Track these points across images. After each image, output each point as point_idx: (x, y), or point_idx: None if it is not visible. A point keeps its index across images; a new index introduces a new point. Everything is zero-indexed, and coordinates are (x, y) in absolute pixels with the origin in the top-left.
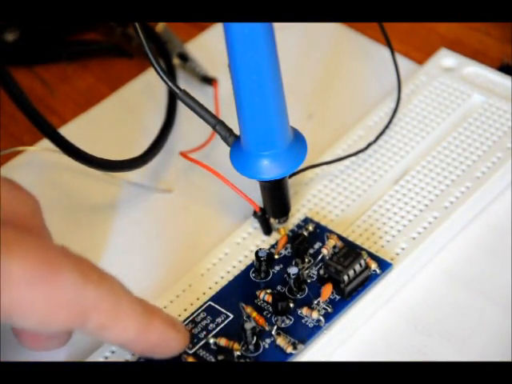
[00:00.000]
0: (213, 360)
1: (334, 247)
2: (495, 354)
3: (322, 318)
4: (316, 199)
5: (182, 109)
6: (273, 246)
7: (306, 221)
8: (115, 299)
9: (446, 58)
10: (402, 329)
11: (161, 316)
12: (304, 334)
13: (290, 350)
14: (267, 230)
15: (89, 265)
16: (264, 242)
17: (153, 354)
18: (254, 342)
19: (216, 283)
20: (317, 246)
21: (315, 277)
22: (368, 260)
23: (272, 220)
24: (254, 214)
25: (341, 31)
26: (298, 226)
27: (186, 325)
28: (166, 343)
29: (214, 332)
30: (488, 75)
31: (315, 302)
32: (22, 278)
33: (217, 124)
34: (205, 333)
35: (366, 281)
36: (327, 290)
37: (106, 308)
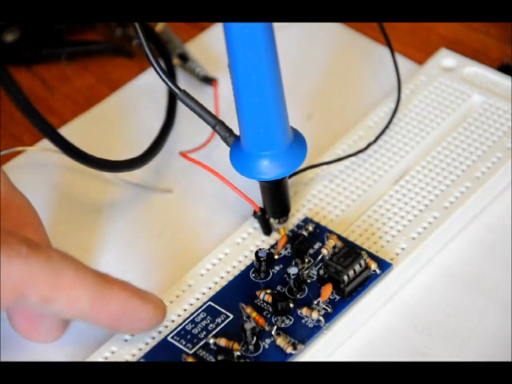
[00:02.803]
0: (213, 360)
1: (334, 247)
2: (495, 354)
3: (321, 318)
4: (316, 199)
5: (181, 109)
6: (273, 246)
7: (306, 221)
8: (54, 269)
9: (446, 58)
10: (402, 329)
11: (121, 285)
12: (304, 334)
13: (290, 350)
14: (267, 230)
15: (17, 240)
16: (264, 242)
17: (124, 327)
18: (253, 342)
19: (216, 283)
20: (317, 246)
21: (315, 277)
22: (368, 260)
23: (272, 220)
24: (254, 214)
25: (341, 31)
26: (298, 226)
27: (186, 325)
28: (133, 314)
29: (214, 332)
30: (488, 75)
31: (315, 302)
32: None
33: (217, 124)
34: (205, 333)
35: (366, 281)
36: (327, 290)
37: (44, 279)
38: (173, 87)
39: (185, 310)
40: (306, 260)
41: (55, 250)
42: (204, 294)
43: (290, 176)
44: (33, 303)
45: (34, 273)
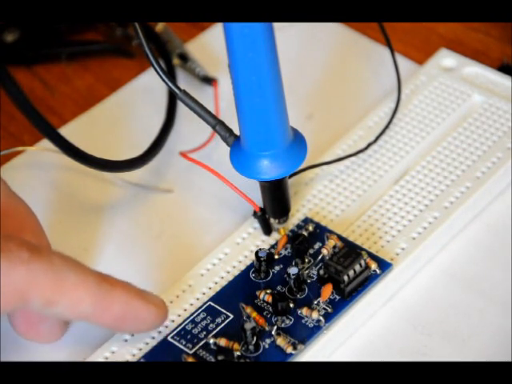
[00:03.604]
0: (213, 360)
1: (334, 247)
2: (495, 354)
3: (321, 318)
4: (316, 199)
5: (182, 109)
6: (273, 246)
7: (306, 221)
8: (56, 273)
9: (446, 58)
10: (402, 329)
11: (123, 286)
12: (304, 334)
13: (290, 350)
14: (267, 230)
15: (17, 244)
16: (264, 242)
17: (126, 328)
18: (254, 342)
19: (216, 283)
20: (317, 246)
21: (315, 277)
22: (368, 260)
23: (272, 220)
24: (254, 214)
25: (341, 31)
26: (298, 226)
27: (186, 325)
28: (136, 315)
29: (214, 332)
30: (488, 75)
31: (315, 302)
32: None
33: (217, 124)
34: (205, 333)
35: (366, 281)
36: (327, 290)
37: (46, 283)
38: (173, 87)
39: (185, 310)
40: (306, 260)
41: (56, 253)
42: (204, 293)
43: (290, 176)
44: (35, 306)
45: (36, 277)
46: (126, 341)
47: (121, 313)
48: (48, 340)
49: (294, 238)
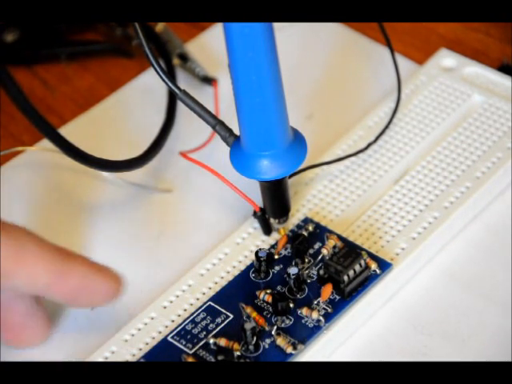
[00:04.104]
0: (213, 360)
1: (334, 247)
2: (495, 354)
3: (321, 318)
4: (316, 199)
5: (181, 109)
6: (273, 246)
7: (306, 221)
8: (16, 244)
9: (446, 58)
10: (402, 329)
11: (81, 259)
12: (304, 334)
13: (290, 350)
14: (267, 230)
15: None
16: (264, 242)
17: (82, 300)
18: (254, 342)
19: (216, 283)
20: (317, 246)
21: (315, 277)
22: (368, 260)
23: (272, 220)
24: (254, 214)
25: (341, 31)
26: (298, 226)
27: (186, 325)
28: (92, 288)
29: (214, 332)
30: (488, 75)
31: (315, 302)
32: None
33: (217, 124)
34: (205, 333)
35: (366, 281)
36: (327, 290)
37: (5, 254)
38: (173, 87)
39: (185, 309)
40: (306, 260)
41: (16, 227)
42: (204, 294)
43: (290, 176)
44: None
45: None
46: (126, 341)
47: (78, 285)
48: (35, 342)
49: (294, 237)
